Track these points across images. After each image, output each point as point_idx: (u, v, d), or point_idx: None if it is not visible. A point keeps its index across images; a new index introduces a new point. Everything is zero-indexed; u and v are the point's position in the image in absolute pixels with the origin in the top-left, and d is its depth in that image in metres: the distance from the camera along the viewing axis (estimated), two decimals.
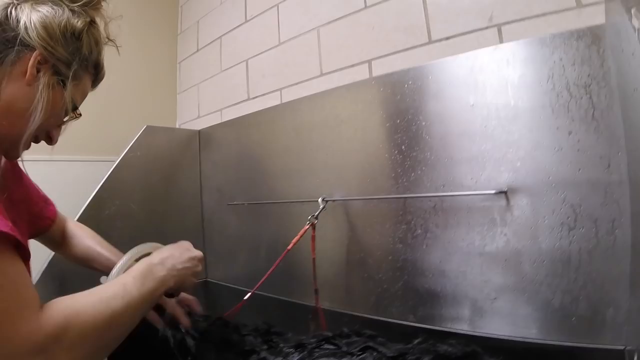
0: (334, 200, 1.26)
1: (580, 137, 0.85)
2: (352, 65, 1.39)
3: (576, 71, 0.86)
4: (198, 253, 0.89)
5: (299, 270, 1.32)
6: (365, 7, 1.36)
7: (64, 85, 0.72)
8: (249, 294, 1.10)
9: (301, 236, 1.12)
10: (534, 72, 0.91)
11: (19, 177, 0.90)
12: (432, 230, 1.05)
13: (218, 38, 2.03)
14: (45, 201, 1.00)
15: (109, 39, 0.82)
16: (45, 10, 0.71)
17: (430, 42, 1.20)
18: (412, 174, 1.09)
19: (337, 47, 1.45)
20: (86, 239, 1.05)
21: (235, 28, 1.93)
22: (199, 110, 2.13)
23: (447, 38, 1.17)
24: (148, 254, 0.82)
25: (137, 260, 0.84)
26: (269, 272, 1.10)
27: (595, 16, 0.91)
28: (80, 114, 0.81)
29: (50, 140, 0.79)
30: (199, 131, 1.91)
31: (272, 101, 1.68)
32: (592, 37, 0.84)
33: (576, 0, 0.96)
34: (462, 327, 0.99)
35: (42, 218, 0.97)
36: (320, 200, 1.24)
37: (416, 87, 1.10)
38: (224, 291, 1.66)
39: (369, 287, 1.18)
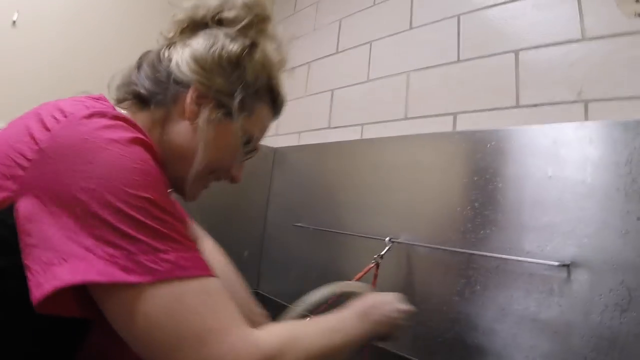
0: (399, 242, 1.36)
1: None
2: (437, 115, 1.50)
3: None
4: (410, 308, 0.86)
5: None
6: (458, 60, 1.48)
7: (232, 117, 0.70)
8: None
9: (365, 273, 1.23)
10: (614, 154, 0.99)
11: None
12: (490, 288, 1.15)
13: (306, 63, 2.24)
14: None
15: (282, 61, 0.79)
16: (196, 42, 0.70)
17: (517, 106, 1.28)
18: (481, 232, 1.19)
19: (424, 94, 1.58)
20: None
21: (325, 57, 2.12)
22: (277, 128, 2.33)
23: (535, 105, 1.25)
24: (352, 293, 0.89)
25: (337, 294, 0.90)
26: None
27: None
28: (257, 149, 0.80)
29: (233, 179, 0.80)
30: (275, 149, 2.11)
31: (352, 134, 1.82)
32: None
33: None
34: None
35: None
36: (387, 240, 1.35)
37: (498, 149, 1.21)
38: (271, 304, 1.82)
39: (418, 332, 1.27)
